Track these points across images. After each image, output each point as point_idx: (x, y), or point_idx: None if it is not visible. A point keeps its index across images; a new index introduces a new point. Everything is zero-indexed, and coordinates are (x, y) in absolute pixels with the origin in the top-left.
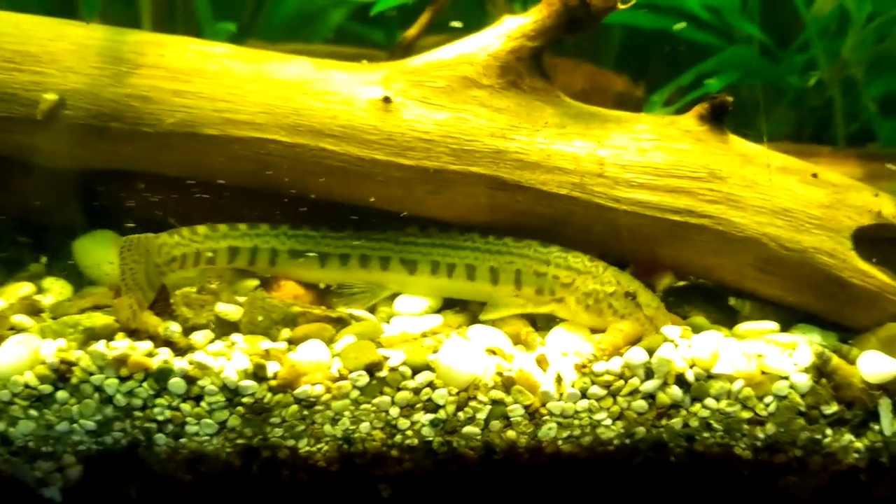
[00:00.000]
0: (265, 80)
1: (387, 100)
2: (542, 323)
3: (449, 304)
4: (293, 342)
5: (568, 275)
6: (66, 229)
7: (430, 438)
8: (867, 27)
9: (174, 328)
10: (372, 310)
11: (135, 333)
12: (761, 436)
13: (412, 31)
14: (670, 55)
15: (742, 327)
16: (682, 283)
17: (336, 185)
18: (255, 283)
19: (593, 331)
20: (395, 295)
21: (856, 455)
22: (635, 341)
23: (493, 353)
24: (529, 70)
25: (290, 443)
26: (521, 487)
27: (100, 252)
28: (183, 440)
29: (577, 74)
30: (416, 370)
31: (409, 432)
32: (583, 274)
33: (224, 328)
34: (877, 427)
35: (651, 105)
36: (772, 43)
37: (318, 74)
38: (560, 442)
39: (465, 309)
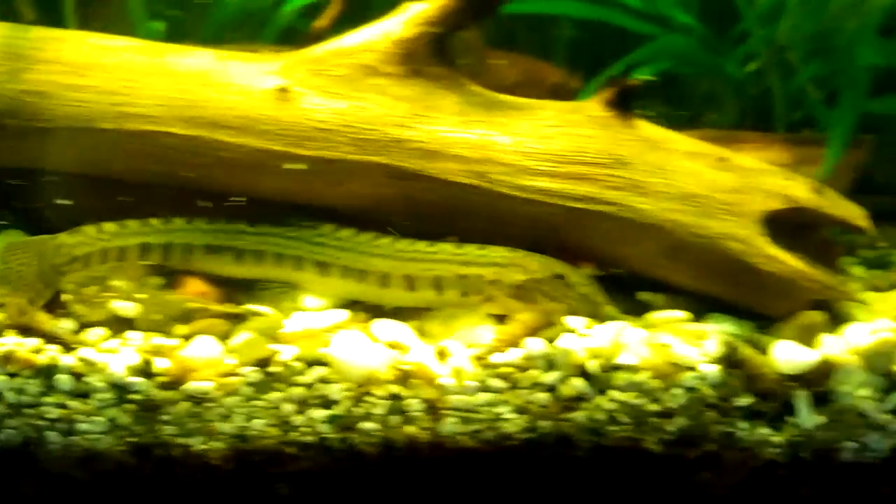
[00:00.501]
0: (163, 72)
1: (283, 90)
2: None
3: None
4: (189, 339)
5: (492, 271)
6: None
7: (327, 435)
8: (802, 8)
9: (65, 325)
10: (278, 306)
11: (28, 331)
12: (671, 429)
13: (322, 22)
14: (621, 46)
15: (653, 317)
16: (599, 274)
17: (234, 178)
18: (159, 280)
19: (498, 319)
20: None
21: (775, 449)
22: (537, 330)
23: (392, 346)
24: (433, 57)
25: (183, 440)
26: (424, 484)
27: None
28: (75, 438)
29: (511, 67)
30: (310, 364)
31: (305, 429)
32: (506, 266)
33: (121, 325)
34: (794, 420)
35: (584, 94)
36: (710, 31)
37: (217, 65)
38: (462, 437)
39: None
